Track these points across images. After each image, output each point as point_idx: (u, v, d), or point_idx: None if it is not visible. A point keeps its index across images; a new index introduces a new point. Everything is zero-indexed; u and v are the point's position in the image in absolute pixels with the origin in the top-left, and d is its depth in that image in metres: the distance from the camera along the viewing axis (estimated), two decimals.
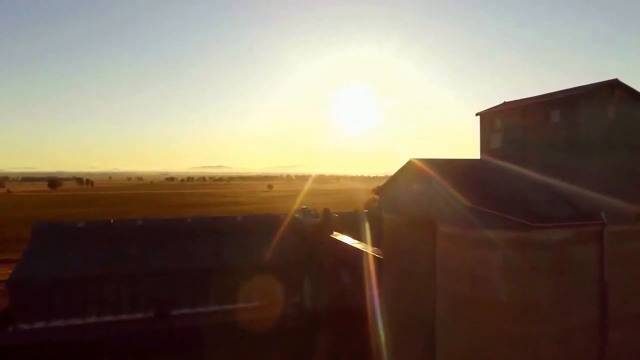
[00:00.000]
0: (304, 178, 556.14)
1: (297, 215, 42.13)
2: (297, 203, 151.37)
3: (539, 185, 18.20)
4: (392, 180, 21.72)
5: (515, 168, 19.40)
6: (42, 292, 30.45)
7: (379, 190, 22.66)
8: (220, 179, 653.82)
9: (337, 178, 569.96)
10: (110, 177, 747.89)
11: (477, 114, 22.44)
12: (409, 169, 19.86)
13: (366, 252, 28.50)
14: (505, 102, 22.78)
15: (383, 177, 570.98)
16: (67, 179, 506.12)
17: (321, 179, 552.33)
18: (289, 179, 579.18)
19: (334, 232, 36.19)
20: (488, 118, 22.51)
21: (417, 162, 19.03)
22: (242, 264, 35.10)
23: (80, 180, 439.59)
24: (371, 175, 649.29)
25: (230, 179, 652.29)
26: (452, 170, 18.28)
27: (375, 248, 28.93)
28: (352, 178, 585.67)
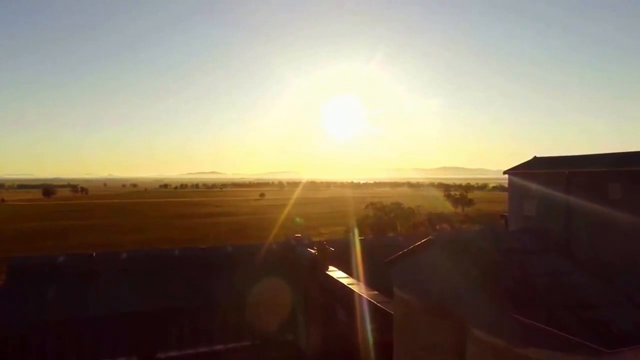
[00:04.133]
0: (295, 185, 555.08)
1: (290, 245, 40.27)
2: (286, 213, 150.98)
3: (594, 279, 14.63)
4: (410, 253, 18.03)
5: (559, 245, 16.08)
6: (16, 339, 28.43)
7: (392, 261, 19.45)
8: (214, 185, 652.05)
9: (328, 185, 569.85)
10: (105, 184, 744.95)
11: (504, 172, 19.93)
12: (432, 247, 16.28)
13: (366, 299, 26.62)
14: (536, 158, 19.85)
15: (372, 184, 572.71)
16: (62, 186, 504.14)
17: (312, 185, 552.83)
18: (280, 185, 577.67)
19: (330, 268, 34.35)
20: (519, 179, 19.32)
21: (443, 241, 15.85)
22: (233, 301, 33.14)
23: (75, 188, 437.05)
24: (361, 182, 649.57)
25: (223, 185, 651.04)
26: (484, 251, 14.89)
27: (376, 292, 27.11)
28: (342, 184, 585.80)
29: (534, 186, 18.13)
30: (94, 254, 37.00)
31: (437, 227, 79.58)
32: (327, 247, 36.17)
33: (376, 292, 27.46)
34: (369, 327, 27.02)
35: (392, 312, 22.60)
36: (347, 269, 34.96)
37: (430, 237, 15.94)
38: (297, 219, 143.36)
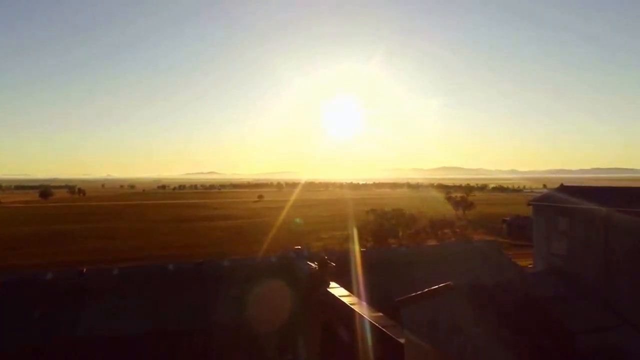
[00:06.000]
0: (293, 185, 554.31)
1: (289, 258, 38.63)
2: (285, 216, 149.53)
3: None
4: (426, 297, 16.23)
5: (594, 291, 13.97)
6: None
7: (403, 301, 17.44)
8: (212, 186, 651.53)
9: (327, 185, 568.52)
10: (103, 185, 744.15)
11: (529, 203, 18.25)
12: (452, 294, 14.61)
13: (369, 321, 25.03)
14: (563, 186, 18.01)
15: (371, 185, 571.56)
16: (60, 187, 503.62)
17: (311, 186, 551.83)
18: (279, 186, 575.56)
19: (331, 284, 32.79)
20: (546, 212, 17.19)
21: (464, 288, 14.25)
22: (229, 320, 31.57)
23: (72, 190, 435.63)
24: (360, 183, 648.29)
25: (222, 186, 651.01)
26: (513, 302, 12.80)
27: (380, 314, 25.55)
28: (341, 185, 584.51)
29: (564, 222, 16.10)
30: (85, 269, 35.46)
31: (439, 232, 78.21)
32: (329, 262, 34.66)
33: (380, 314, 25.94)
34: (371, 351, 25.52)
35: (398, 339, 21.00)
36: (349, 284, 33.46)
37: (449, 282, 14.20)
38: (297, 220, 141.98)
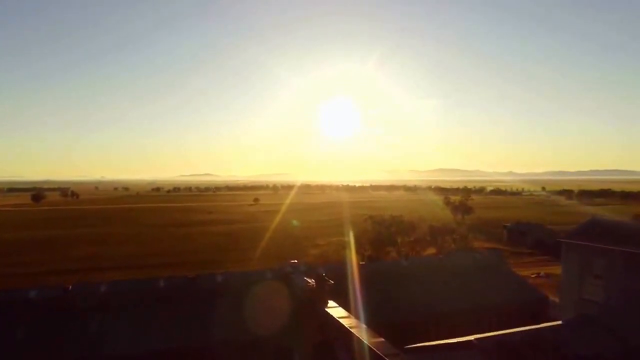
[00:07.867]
0: (289, 188, 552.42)
1: (286, 273, 37.10)
2: (281, 221, 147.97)
3: None
4: (443, 349, 14.61)
5: (632, 339, 11.85)
6: None
7: (415, 349, 15.57)
8: (207, 189, 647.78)
9: (322, 188, 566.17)
10: (96, 187, 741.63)
11: (558, 240, 16.48)
12: (473, 352, 13.14)
13: (369, 346, 23.49)
14: (594, 219, 15.98)
15: (368, 187, 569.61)
16: (53, 189, 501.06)
17: (307, 188, 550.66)
18: (274, 189, 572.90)
19: (330, 303, 31.22)
20: (580, 251, 15.05)
21: (487, 345, 12.66)
22: (224, 339, 30.05)
23: (65, 192, 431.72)
24: (356, 185, 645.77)
25: (217, 189, 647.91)
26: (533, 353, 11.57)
27: (381, 340, 24.02)
28: (338, 187, 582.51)
29: (600, 264, 14.20)
30: (70, 286, 33.81)
31: (439, 240, 76.73)
32: (327, 279, 33.08)
33: (382, 340, 24.40)
34: None
35: None
36: (347, 301, 31.98)
37: (470, 339, 12.59)
38: (294, 222, 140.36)
